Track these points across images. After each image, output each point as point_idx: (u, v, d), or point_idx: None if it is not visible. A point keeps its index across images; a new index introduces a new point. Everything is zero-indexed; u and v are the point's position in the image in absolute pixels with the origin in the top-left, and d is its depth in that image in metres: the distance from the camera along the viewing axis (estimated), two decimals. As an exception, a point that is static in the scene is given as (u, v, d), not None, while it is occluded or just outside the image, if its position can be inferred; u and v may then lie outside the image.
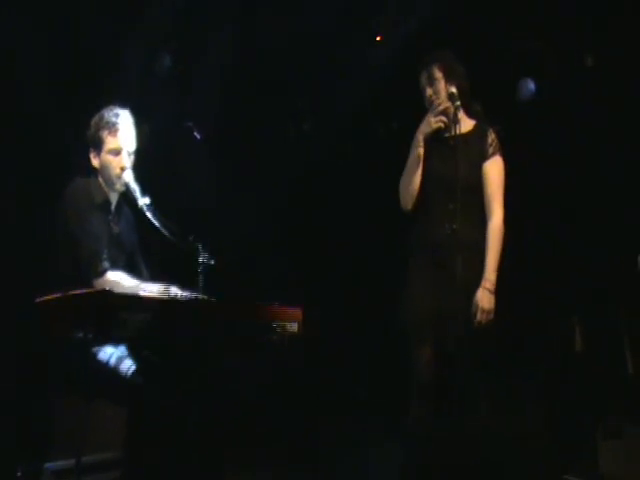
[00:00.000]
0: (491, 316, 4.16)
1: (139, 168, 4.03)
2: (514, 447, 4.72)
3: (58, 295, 3.32)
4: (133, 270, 4.02)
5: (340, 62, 5.75)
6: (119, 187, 4.01)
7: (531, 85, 5.89)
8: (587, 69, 5.72)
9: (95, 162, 4.02)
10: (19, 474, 3.78)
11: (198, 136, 4.62)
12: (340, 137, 6.04)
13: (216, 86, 5.53)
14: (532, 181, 5.57)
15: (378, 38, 5.92)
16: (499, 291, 4.21)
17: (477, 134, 4.36)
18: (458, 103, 4.22)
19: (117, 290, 3.54)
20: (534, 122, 5.83)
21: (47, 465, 3.70)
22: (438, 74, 4.32)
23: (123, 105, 4.04)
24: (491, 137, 4.34)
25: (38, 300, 3.40)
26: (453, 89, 4.26)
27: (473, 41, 5.42)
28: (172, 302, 3.51)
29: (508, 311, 4.27)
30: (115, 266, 3.89)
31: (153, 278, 3.99)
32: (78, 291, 3.30)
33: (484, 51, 5.56)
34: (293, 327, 3.88)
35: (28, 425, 3.97)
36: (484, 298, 4.15)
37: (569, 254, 5.75)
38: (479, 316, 4.13)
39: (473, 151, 4.30)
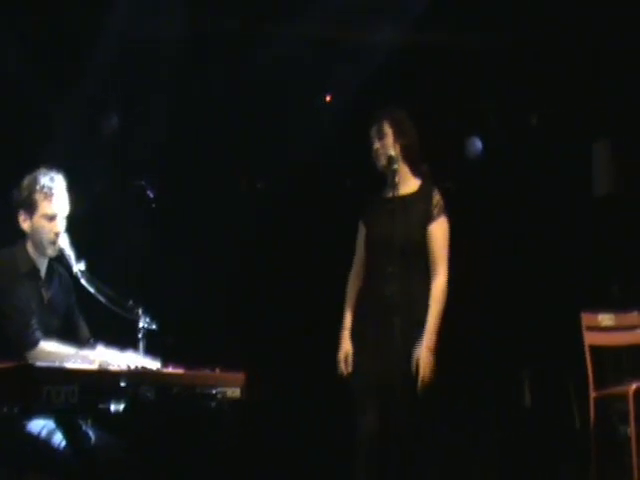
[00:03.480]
0: (431, 375, 4.12)
1: (78, 231, 3.95)
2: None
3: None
4: (70, 333, 3.92)
5: (292, 120, 5.75)
6: (51, 252, 3.90)
7: (478, 143, 5.96)
8: (531, 128, 5.83)
9: (25, 225, 3.90)
10: None
11: (151, 194, 4.56)
12: (291, 196, 6.01)
13: (162, 145, 5.47)
14: (480, 241, 5.60)
15: (328, 98, 5.96)
16: (444, 350, 4.18)
17: (422, 194, 4.35)
18: (396, 167, 4.24)
19: (52, 359, 3.45)
20: (481, 180, 5.89)
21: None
22: (388, 130, 4.34)
23: (57, 168, 3.94)
24: (435, 198, 4.32)
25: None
26: (392, 152, 4.28)
27: (423, 100, 5.48)
28: (101, 373, 3.40)
29: (458, 366, 4.23)
30: (49, 332, 3.79)
31: (94, 339, 3.91)
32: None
33: (434, 110, 5.62)
34: (235, 392, 3.79)
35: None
36: (423, 357, 4.13)
37: (517, 311, 5.77)
38: (421, 373, 4.11)
39: (416, 212, 4.29)
